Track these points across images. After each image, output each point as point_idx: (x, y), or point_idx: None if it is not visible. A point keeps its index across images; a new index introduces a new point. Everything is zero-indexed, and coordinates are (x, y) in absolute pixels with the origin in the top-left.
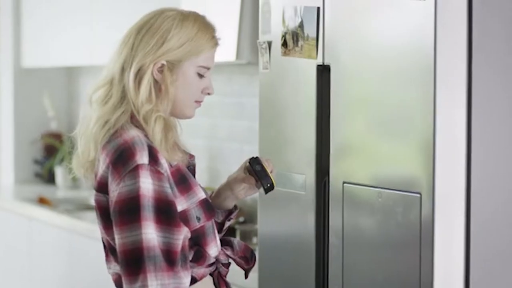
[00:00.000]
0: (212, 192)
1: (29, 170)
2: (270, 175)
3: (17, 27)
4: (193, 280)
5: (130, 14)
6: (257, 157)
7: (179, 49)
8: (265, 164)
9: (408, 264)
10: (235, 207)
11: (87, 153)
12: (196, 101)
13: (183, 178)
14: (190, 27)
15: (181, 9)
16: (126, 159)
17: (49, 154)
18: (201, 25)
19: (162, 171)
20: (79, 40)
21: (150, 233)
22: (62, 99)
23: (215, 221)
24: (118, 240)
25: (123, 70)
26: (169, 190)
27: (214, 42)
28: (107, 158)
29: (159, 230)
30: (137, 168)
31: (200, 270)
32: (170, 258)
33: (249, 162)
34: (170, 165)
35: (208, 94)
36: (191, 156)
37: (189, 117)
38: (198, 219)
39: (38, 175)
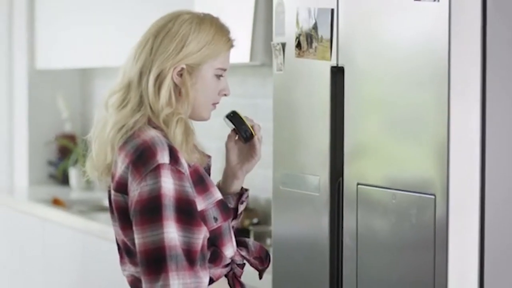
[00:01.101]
0: (219, 182)
1: (43, 172)
2: (247, 122)
3: (31, 29)
4: (210, 281)
5: (144, 16)
6: (234, 111)
7: (198, 53)
8: (242, 116)
9: (422, 266)
10: (245, 189)
11: (103, 157)
12: (213, 103)
13: (201, 179)
14: (207, 31)
15: (196, 12)
16: (147, 159)
17: (63, 156)
18: (217, 28)
19: (183, 170)
20: (93, 42)
21: (172, 232)
22: (76, 101)
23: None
24: (138, 239)
25: (141, 74)
26: (189, 190)
27: (230, 44)
28: (127, 158)
29: (180, 230)
30: (158, 167)
31: (217, 271)
32: (190, 258)
33: (226, 115)
34: (189, 165)
35: (225, 95)
36: (208, 157)
37: (205, 119)
38: (216, 219)
39: (52, 177)
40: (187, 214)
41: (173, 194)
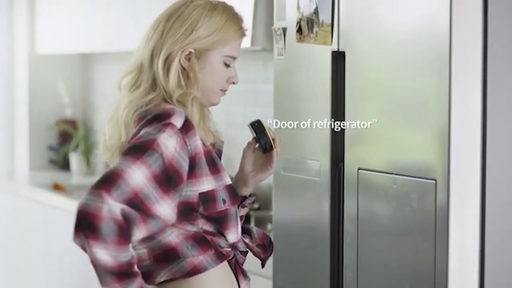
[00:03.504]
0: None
1: (44, 157)
2: (268, 134)
3: (32, 13)
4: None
5: (145, 2)
6: (259, 120)
7: (207, 38)
8: (266, 126)
9: (422, 251)
10: (251, 195)
11: (118, 136)
12: (222, 90)
13: (213, 160)
14: (219, 17)
15: None
16: (163, 118)
17: (63, 141)
18: (230, 16)
19: (188, 143)
20: (94, 27)
21: (138, 176)
22: (76, 86)
23: None
24: (112, 164)
25: (152, 56)
26: (184, 164)
27: (241, 32)
28: (141, 122)
29: (151, 186)
30: (168, 125)
31: (199, 258)
32: (139, 209)
33: (250, 123)
34: (204, 145)
35: (233, 83)
36: (221, 141)
37: (214, 105)
38: (224, 201)
39: (53, 162)
40: (168, 180)
41: (168, 154)
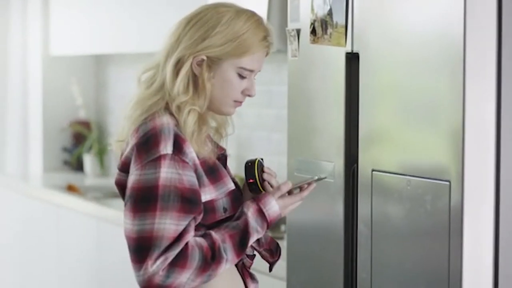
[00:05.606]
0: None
1: (58, 158)
2: (257, 177)
3: (45, 15)
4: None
5: (159, 3)
6: (255, 160)
7: (219, 48)
8: (258, 168)
9: (436, 253)
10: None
11: (121, 133)
12: (236, 101)
13: (212, 169)
14: (237, 28)
15: (237, 6)
16: (150, 147)
17: (77, 142)
18: (252, 27)
19: (187, 160)
20: (107, 28)
21: (164, 223)
22: (90, 87)
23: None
24: (128, 225)
25: (167, 57)
26: (194, 179)
27: (262, 45)
28: (135, 139)
29: (182, 219)
30: (159, 158)
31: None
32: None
33: (246, 161)
34: (197, 156)
35: (249, 96)
36: (222, 149)
37: (226, 115)
38: (225, 209)
39: (66, 163)
40: (191, 202)
41: (176, 183)
